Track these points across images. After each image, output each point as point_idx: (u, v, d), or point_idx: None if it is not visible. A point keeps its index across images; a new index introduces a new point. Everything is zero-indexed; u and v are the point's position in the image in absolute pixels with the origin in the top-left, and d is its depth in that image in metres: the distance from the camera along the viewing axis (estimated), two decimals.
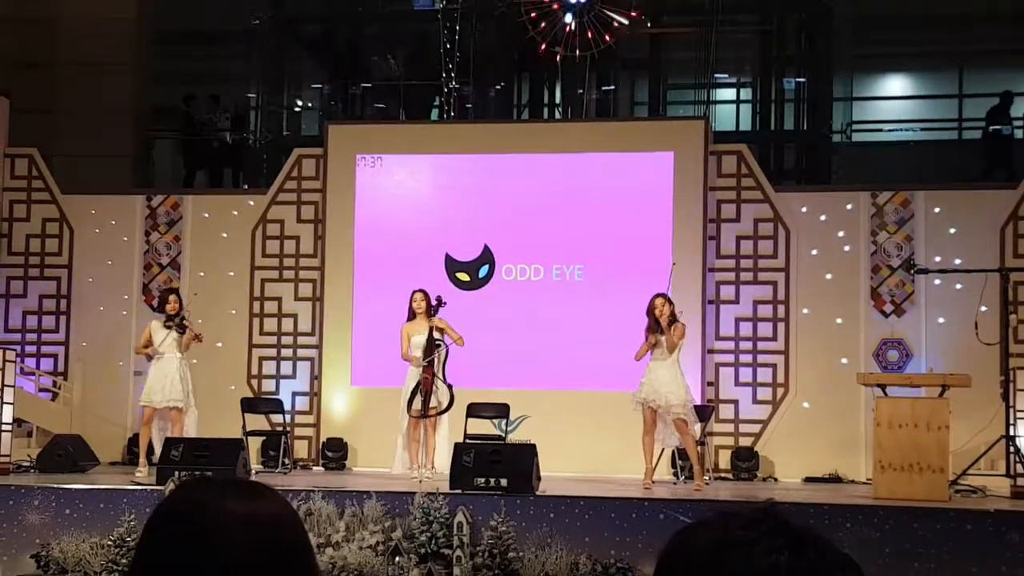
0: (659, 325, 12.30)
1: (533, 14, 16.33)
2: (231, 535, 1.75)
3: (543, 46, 16.42)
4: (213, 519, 1.76)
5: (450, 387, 12.68)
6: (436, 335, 12.71)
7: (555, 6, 16.29)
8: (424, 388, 12.58)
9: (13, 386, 13.35)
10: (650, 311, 12.42)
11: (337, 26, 19.87)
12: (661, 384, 12.19)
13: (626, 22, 16.23)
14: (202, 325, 13.36)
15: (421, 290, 13.02)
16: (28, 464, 13.64)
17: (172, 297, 13.21)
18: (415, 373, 12.69)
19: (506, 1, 16.96)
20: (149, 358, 13.11)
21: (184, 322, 13.01)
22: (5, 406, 13.10)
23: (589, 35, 16.15)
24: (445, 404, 12.67)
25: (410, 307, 12.98)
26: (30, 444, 14.85)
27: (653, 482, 12.44)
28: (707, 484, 12.81)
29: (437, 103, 18.06)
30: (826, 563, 1.49)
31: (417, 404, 12.57)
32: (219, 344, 15.67)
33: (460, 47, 17.29)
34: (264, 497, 1.82)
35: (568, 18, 16.31)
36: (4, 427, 13.03)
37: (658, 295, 12.57)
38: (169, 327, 12.98)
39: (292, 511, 1.85)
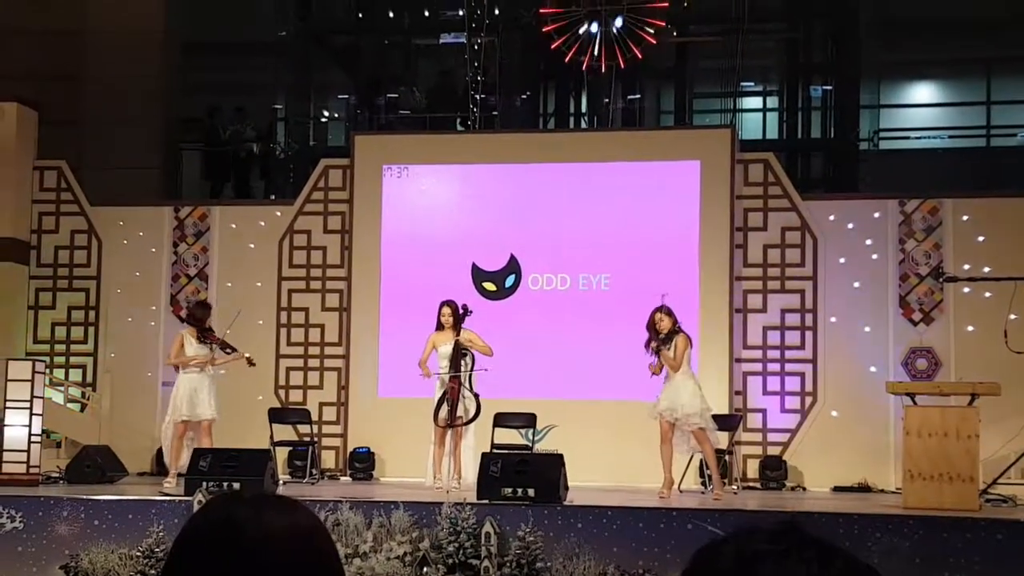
0: (661, 338, 12.23)
1: (551, 26, 16.32)
2: (271, 548, 1.75)
3: (568, 55, 16.42)
4: (253, 533, 1.75)
5: (477, 397, 12.66)
6: (463, 343, 12.70)
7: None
8: (451, 398, 12.55)
9: (42, 397, 13.42)
10: (650, 325, 12.35)
11: (363, 37, 19.89)
12: (677, 396, 12.17)
13: (651, 31, 16.21)
14: (230, 336, 13.38)
15: (450, 303, 12.96)
16: (57, 475, 13.69)
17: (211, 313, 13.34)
18: (443, 382, 12.68)
19: (532, 11, 16.98)
20: (177, 369, 13.13)
21: (227, 344, 13.13)
22: (34, 417, 13.16)
23: (615, 46, 16.14)
24: (472, 414, 12.65)
25: (438, 319, 12.95)
26: (59, 455, 14.92)
27: (681, 491, 12.40)
28: (735, 493, 12.74)
29: (461, 129, 18.00)
30: (854, 574, 1.49)
31: (444, 414, 12.55)
32: (246, 355, 15.70)
33: (486, 58, 17.30)
34: (297, 510, 1.82)
35: (594, 27, 16.30)
36: (34, 438, 13.09)
37: (657, 309, 12.47)
38: (211, 344, 13.03)
39: (321, 524, 1.86)
